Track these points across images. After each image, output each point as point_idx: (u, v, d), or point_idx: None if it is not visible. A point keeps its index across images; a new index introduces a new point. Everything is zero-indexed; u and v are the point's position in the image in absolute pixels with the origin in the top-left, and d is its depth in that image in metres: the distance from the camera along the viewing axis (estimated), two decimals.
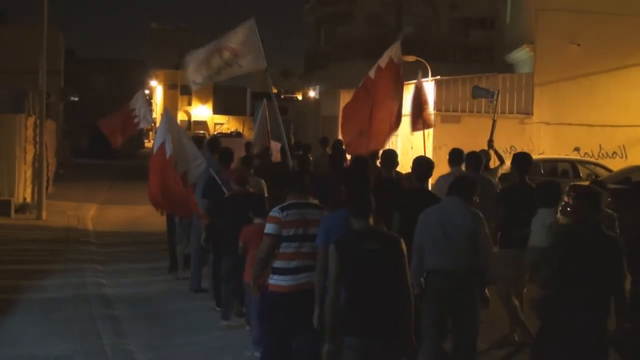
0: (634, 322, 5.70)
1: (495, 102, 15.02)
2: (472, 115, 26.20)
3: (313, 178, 9.32)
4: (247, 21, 10.14)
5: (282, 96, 69.52)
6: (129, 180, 32.28)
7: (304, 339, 6.61)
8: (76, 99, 44.35)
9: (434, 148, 25.20)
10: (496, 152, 13.24)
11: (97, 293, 11.44)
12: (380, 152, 10.75)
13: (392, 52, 11.81)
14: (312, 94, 49.07)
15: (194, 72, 10.52)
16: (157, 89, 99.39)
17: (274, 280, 6.64)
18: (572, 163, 21.71)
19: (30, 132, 21.21)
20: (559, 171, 21.38)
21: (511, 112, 26.46)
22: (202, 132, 77.22)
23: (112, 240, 16.91)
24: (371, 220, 5.65)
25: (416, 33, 44.94)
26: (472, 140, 26.42)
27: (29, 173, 21.23)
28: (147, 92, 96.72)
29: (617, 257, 5.75)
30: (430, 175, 8.42)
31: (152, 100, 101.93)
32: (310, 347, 6.52)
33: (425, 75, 29.15)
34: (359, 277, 5.47)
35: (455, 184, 7.04)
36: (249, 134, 72.08)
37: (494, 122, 14.18)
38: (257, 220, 8.37)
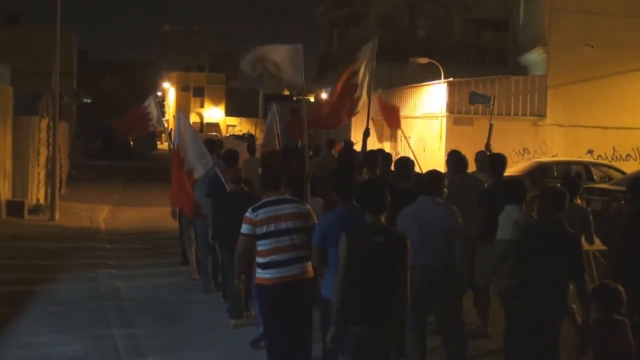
0: (602, 312, 6.14)
1: (491, 106, 15.45)
2: (485, 118, 26.08)
3: (315, 178, 9.94)
4: (294, 45, 10.61)
5: (294, 98, 69.52)
6: (142, 182, 32.39)
7: (295, 327, 7.03)
8: (89, 100, 44.69)
9: (446, 150, 25.21)
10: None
11: (109, 294, 11.51)
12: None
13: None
14: (324, 95, 49.13)
15: (248, 64, 10.84)
16: (169, 91, 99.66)
17: (258, 274, 7.11)
18: (586, 165, 21.67)
19: (43, 134, 21.33)
20: (573, 173, 21.35)
21: (524, 114, 26.46)
22: (214, 134, 77.39)
23: (125, 241, 16.96)
24: (382, 218, 5.98)
25: (429, 35, 44.96)
26: (484, 142, 26.51)
27: (42, 174, 21.35)
28: (159, 94, 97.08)
29: (576, 251, 6.31)
30: (409, 173, 9.04)
31: (164, 102, 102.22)
32: (302, 335, 7.03)
33: (438, 77, 29.21)
34: (363, 268, 5.80)
35: (423, 183, 7.53)
36: (261, 136, 71.90)
37: (491, 125, 14.75)
38: None
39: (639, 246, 7.15)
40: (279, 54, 10.63)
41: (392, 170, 10.31)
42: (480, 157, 11.37)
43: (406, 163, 9.19)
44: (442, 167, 23.41)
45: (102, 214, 21.54)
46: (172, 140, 11.70)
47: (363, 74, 11.87)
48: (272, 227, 7.01)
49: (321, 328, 6.84)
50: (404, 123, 30.26)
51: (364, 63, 11.88)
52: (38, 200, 21.01)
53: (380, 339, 5.80)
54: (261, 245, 7.05)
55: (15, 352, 8.62)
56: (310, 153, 14.47)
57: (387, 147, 32.09)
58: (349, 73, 11.99)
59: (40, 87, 22.58)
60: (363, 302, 5.78)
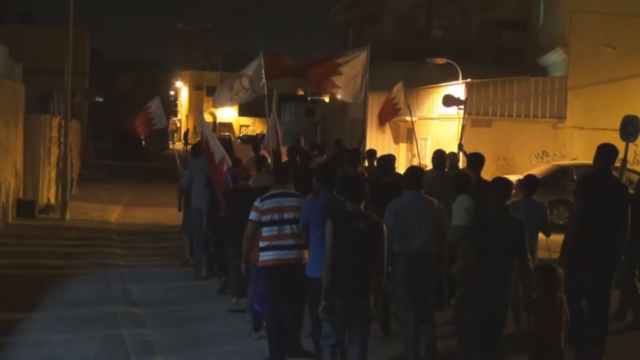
0: (544, 291, 7.02)
1: (463, 108, 16.60)
2: (503, 119, 26.13)
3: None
4: (257, 57, 11.92)
5: (309, 98, 69.49)
6: (154, 182, 32.48)
7: (290, 302, 8.27)
8: (101, 99, 44.81)
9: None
10: (466, 155, 13.77)
11: (121, 296, 11.52)
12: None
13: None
14: (339, 96, 49.10)
15: (219, 96, 12.56)
16: (182, 90, 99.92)
17: (261, 257, 8.29)
18: None
19: (54, 133, 21.41)
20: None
21: (543, 116, 26.33)
22: (227, 134, 77.53)
23: (136, 242, 17.01)
24: (362, 206, 7.02)
25: (446, 35, 44.84)
26: (503, 144, 26.44)
27: (53, 174, 21.43)
28: (172, 92, 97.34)
29: (519, 233, 7.31)
30: (390, 169, 10.50)
31: (177, 102, 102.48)
32: (296, 310, 8.34)
33: (456, 78, 29.11)
34: (344, 249, 6.82)
35: (406, 179, 8.49)
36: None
37: (463, 127, 16.11)
38: None
39: (588, 239, 8.49)
40: (249, 68, 11.99)
41: (375, 166, 11.82)
42: (452, 158, 12.50)
43: (389, 160, 10.71)
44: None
45: (113, 214, 21.59)
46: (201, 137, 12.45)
47: (348, 74, 12.75)
48: (276, 216, 8.19)
49: (308, 303, 8.10)
50: (419, 125, 30.29)
51: (351, 63, 12.80)
52: (49, 199, 21.09)
53: (360, 311, 6.84)
54: (266, 232, 8.23)
55: (26, 352, 8.63)
56: (315, 152, 16.17)
57: (403, 148, 32.09)
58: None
59: (52, 86, 22.66)
60: (345, 279, 6.79)
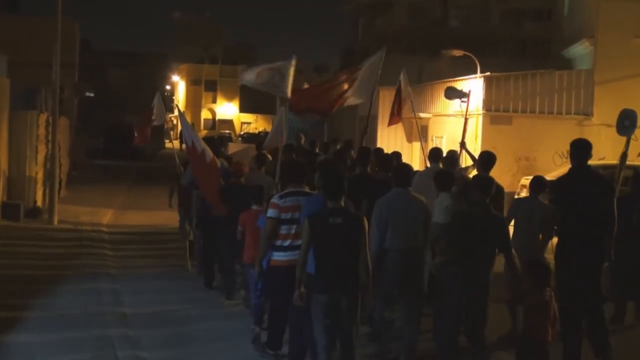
0: (534, 286, 7.75)
1: (467, 102, 16.67)
2: (525, 116, 26.01)
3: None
4: (289, 59, 12.81)
5: None
6: (148, 184, 32.45)
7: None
8: (91, 94, 44.91)
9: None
10: (469, 153, 15.16)
11: (112, 308, 11.47)
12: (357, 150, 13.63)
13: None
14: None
15: (246, 75, 13.37)
16: (179, 85, 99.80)
17: (274, 257, 8.66)
18: (636, 170, 21.37)
19: (42, 130, 21.39)
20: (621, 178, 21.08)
21: (568, 113, 26.21)
22: (227, 132, 77.59)
23: (129, 248, 16.98)
24: (342, 202, 7.54)
25: (463, 25, 44.79)
26: (524, 143, 26.35)
27: (40, 174, 21.42)
28: (168, 87, 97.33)
29: (502, 230, 8.11)
30: (387, 165, 11.30)
31: (173, 97, 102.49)
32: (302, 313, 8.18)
33: (474, 71, 29.03)
34: (324, 245, 7.38)
35: (394, 177, 9.29)
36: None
37: (466, 121, 16.33)
38: (254, 207, 10.48)
39: (570, 239, 9.10)
40: (275, 66, 12.92)
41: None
42: (452, 156, 12.96)
43: (387, 157, 12.18)
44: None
45: (105, 218, 21.58)
46: (184, 141, 13.12)
47: (363, 77, 13.85)
48: (295, 215, 8.51)
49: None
50: (435, 122, 30.24)
51: (366, 67, 13.91)
52: (35, 202, 21.08)
53: (344, 306, 7.35)
54: (283, 230, 8.58)
55: None
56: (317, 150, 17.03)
57: (417, 147, 32.00)
58: (349, 75, 14.23)
59: (39, 80, 22.66)
60: (327, 275, 7.35)
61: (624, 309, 11.31)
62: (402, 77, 15.43)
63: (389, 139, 30.31)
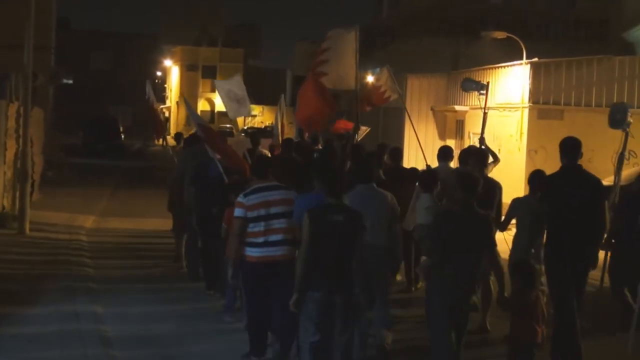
0: (521, 286, 8.92)
1: (485, 94, 17.75)
2: (578, 110, 25.96)
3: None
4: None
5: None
6: (135, 186, 32.53)
7: (276, 300, 9.56)
8: (70, 81, 45.09)
9: (528, 151, 24.98)
10: (489, 149, 15.95)
11: (92, 329, 11.46)
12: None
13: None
14: (370, 78, 49.05)
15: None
16: (172, 70, 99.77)
17: (247, 252, 9.76)
18: None
19: (11, 123, 21.45)
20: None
21: (631, 106, 26.10)
22: (228, 126, 77.61)
23: (113, 262, 17.01)
24: (342, 198, 8.63)
25: (507, 3, 44.69)
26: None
27: (10, 175, 21.47)
28: (159, 73, 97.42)
29: (486, 229, 8.98)
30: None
31: (165, 85, 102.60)
32: (284, 310, 9.03)
33: (519, 57, 28.97)
34: (323, 242, 8.27)
35: (358, 174, 10.55)
36: (289, 130, 71.20)
37: (485, 114, 17.21)
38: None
39: (558, 239, 10.12)
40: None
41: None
42: (478, 153, 13.83)
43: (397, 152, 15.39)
44: (522, 173, 23.15)
45: (84, 225, 21.62)
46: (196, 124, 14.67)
47: (335, 58, 15.12)
48: (262, 212, 9.66)
49: None
50: (472, 116, 30.16)
51: (335, 51, 15.11)
52: (3, 207, 21.15)
53: (338, 304, 8.22)
54: (252, 228, 9.68)
55: None
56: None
57: (451, 144, 31.96)
58: (315, 63, 15.40)
59: (8, 64, 22.72)
60: (323, 271, 8.24)
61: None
62: (387, 71, 17.63)
63: (419, 134, 30.26)
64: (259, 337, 9.93)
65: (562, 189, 10.24)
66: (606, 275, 12.51)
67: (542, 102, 26.05)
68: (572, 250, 10.00)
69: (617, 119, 14.12)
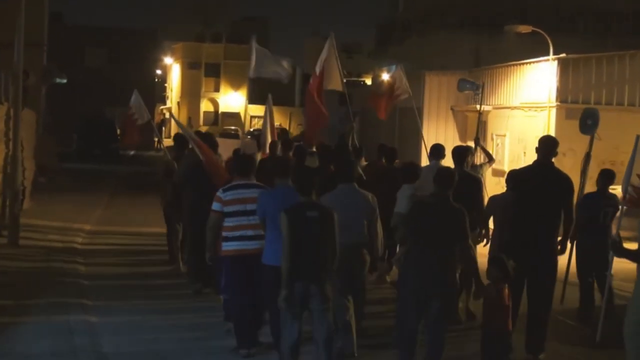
0: (495, 279, 10.12)
1: (480, 94, 19.55)
2: (609, 109, 25.85)
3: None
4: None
5: (345, 80, 69.46)
6: (133, 193, 32.55)
7: (251, 290, 10.99)
8: (63, 81, 44.99)
9: (556, 154, 24.86)
10: (484, 150, 17.67)
11: (87, 347, 11.49)
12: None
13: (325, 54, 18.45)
14: (385, 76, 49.03)
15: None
16: (172, 69, 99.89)
17: (223, 246, 11.27)
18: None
19: (0, 126, 21.48)
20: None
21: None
22: (233, 127, 77.68)
23: (109, 275, 17.03)
24: (313, 196, 9.73)
25: None
26: (608, 143, 25.98)
27: None
28: (158, 72, 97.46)
29: (459, 220, 9.85)
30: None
31: (166, 84, 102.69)
32: (257, 301, 10.98)
33: (546, 52, 28.91)
34: (300, 236, 9.36)
35: (337, 175, 11.77)
36: (296, 132, 71.26)
37: (480, 115, 18.54)
38: None
39: (521, 232, 11.42)
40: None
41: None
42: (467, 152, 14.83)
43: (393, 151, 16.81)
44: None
45: (79, 236, 21.64)
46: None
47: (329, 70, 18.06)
48: (238, 208, 11.12)
49: (265, 290, 10.54)
50: (495, 116, 30.11)
51: (323, 61, 17.96)
52: None
53: (315, 292, 9.40)
54: (228, 222, 11.17)
55: None
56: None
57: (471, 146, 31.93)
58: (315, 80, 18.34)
59: None
60: (302, 265, 9.33)
61: (592, 301, 13.95)
62: (400, 70, 19.06)
63: (437, 135, 30.25)
64: (242, 329, 11.06)
65: (531, 183, 11.47)
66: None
67: (570, 101, 25.97)
68: (531, 244, 11.26)
69: (589, 124, 15.66)
